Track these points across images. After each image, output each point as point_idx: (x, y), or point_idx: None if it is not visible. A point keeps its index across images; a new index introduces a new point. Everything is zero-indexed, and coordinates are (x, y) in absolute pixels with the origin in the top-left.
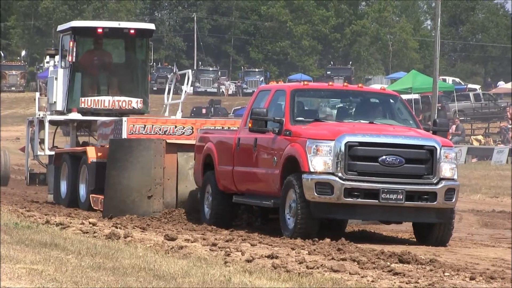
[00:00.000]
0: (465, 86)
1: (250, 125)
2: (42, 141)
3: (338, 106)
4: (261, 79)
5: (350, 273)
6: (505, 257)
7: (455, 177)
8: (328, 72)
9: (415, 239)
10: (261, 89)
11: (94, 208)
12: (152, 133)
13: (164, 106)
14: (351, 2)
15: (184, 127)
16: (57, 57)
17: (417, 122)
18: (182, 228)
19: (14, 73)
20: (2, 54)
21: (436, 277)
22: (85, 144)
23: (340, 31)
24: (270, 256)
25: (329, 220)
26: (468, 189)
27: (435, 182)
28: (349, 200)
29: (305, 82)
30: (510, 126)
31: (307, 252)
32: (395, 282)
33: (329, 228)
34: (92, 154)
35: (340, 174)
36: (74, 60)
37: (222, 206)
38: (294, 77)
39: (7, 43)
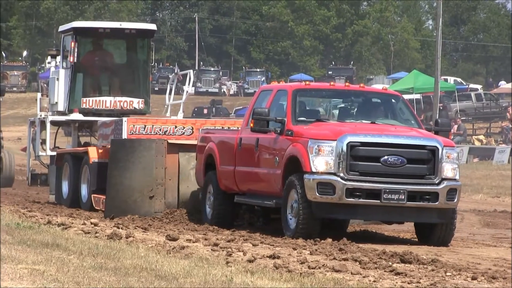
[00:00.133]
0: (467, 86)
1: (252, 125)
2: (43, 142)
3: (340, 106)
4: (262, 79)
5: (352, 273)
6: (506, 257)
7: (457, 177)
8: (329, 72)
9: (416, 239)
10: (263, 89)
11: (96, 208)
12: (152, 133)
13: (166, 106)
14: (353, 2)
15: (184, 127)
16: (58, 58)
17: (418, 122)
18: (184, 228)
19: (15, 73)
20: (4, 55)
21: (438, 277)
22: (87, 144)
23: (342, 31)
24: (272, 256)
25: (331, 220)
26: (469, 189)
27: (437, 182)
28: (351, 200)
29: (307, 82)
30: (511, 126)
31: (309, 252)
32: (397, 282)
33: (330, 228)
34: (93, 154)
35: (342, 174)
36: (75, 60)
37: (223, 206)
38: (295, 77)
39: (8, 44)
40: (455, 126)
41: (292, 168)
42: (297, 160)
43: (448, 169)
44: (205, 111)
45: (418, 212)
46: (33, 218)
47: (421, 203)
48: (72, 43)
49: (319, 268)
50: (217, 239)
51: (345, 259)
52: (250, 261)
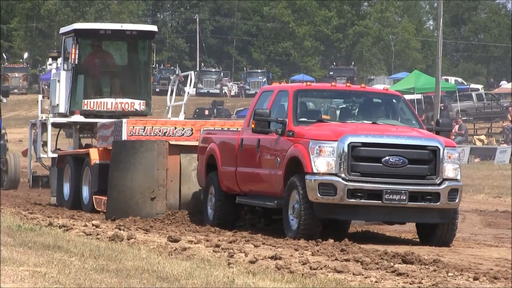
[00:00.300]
0: (468, 86)
1: (253, 126)
2: (45, 144)
3: (341, 106)
4: (263, 80)
5: (353, 274)
6: (508, 257)
7: (458, 177)
8: (330, 73)
9: (418, 240)
10: (264, 90)
11: (98, 209)
12: (152, 134)
13: (167, 107)
14: (353, 3)
15: (183, 128)
16: (59, 60)
17: (420, 122)
18: (185, 230)
19: (16, 75)
20: (5, 57)
21: (439, 277)
22: (88, 146)
23: (343, 32)
24: (274, 257)
25: (332, 221)
26: (471, 189)
27: (438, 182)
28: (352, 200)
29: (308, 83)
30: None
31: (311, 253)
32: (398, 283)
33: (332, 229)
34: (95, 156)
35: (343, 175)
36: (76, 62)
37: (225, 207)
38: (296, 77)
39: (9, 45)
40: (456, 126)
41: (293, 169)
42: (298, 160)
43: (449, 169)
44: (206, 112)
45: (419, 213)
46: (35, 220)
47: (423, 204)
48: (73, 45)
49: (321, 269)
50: (219, 240)
51: (346, 260)
52: (252, 262)
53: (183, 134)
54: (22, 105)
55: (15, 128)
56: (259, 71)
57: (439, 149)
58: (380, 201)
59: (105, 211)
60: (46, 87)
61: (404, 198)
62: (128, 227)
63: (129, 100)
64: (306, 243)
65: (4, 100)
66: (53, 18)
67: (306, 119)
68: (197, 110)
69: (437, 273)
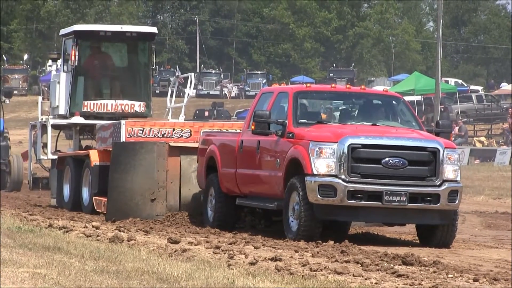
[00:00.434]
0: (468, 88)
1: (253, 127)
2: (45, 145)
3: (341, 108)
4: (263, 82)
5: (353, 275)
6: (508, 258)
7: (458, 178)
8: (330, 74)
9: (418, 241)
10: (264, 92)
11: (98, 210)
12: (151, 136)
13: (167, 109)
14: (353, 4)
15: (182, 130)
16: (59, 61)
17: (419, 123)
18: (186, 231)
19: (16, 76)
20: (5, 58)
21: (439, 278)
22: (88, 147)
23: (343, 33)
24: (274, 259)
25: (333, 222)
26: (471, 190)
27: (438, 184)
28: (352, 202)
29: (308, 84)
30: None
31: (311, 254)
32: (398, 284)
33: (332, 230)
34: (95, 157)
35: (343, 176)
36: (76, 64)
37: (225, 208)
38: (296, 79)
39: (9, 47)
40: (456, 128)
41: (293, 171)
42: (298, 162)
43: (449, 171)
44: (207, 113)
45: (419, 214)
46: (35, 222)
47: (423, 205)
48: (73, 47)
49: (321, 270)
50: (219, 241)
51: (347, 261)
52: (252, 263)
53: (182, 135)
54: (22, 107)
55: (15, 130)
56: (259, 72)
57: (439, 151)
58: (380, 203)
59: (105, 212)
60: (46, 88)
61: (404, 199)
62: (128, 229)
63: (129, 102)
64: (306, 245)
65: (7, 101)
66: (53, 20)
67: (306, 121)
68: (197, 112)
69: (437, 275)
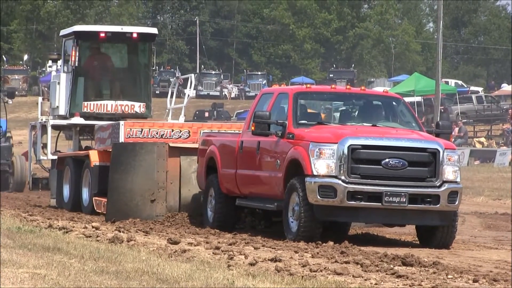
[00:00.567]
0: (468, 89)
1: (253, 128)
2: (44, 146)
3: (341, 109)
4: (263, 82)
5: (353, 276)
6: (508, 259)
7: (458, 179)
8: (330, 75)
9: (418, 242)
10: (264, 92)
11: (97, 211)
12: (149, 136)
13: (167, 110)
14: (353, 5)
15: (181, 131)
16: (59, 62)
17: (419, 124)
18: (185, 232)
19: (16, 77)
20: (5, 59)
21: (439, 279)
22: (88, 148)
23: (343, 34)
24: (274, 259)
25: (332, 223)
26: (471, 191)
27: (438, 184)
28: (352, 203)
29: (308, 85)
30: None
31: (311, 255)
32: (398, 285)
33: (332, 231)
34: (95, 157)
35: (343, 177)
36: (76, 64)
37: (225, 209)
38: (296, 80)
39: (9, 48)
40: (456, 129)
41: (293, 171)
42: (298, 163)
43: (449, 172)
44: (207, 114)
45: (419, 215)
46: (34, 222)
47: (423, 206)
48: (73, 47)
49: (321, 271)
50: (219, 242)
51: (346, 262)
52: (251, 264)
53: (180, 136)
54: (22, 107)
55: (14, 130)
56: (259, 73)
57: (439, 152)
58: (380, 203)
59: (105, 213)
60: (46, 89)
61: (404, 200)
62: (128, 229)
63: (129, 103)
64: (306, 245)
65: (10, 101)
66: (53, 20)
67: (306, 122)
68: (197, 112)
69: (437, 275)
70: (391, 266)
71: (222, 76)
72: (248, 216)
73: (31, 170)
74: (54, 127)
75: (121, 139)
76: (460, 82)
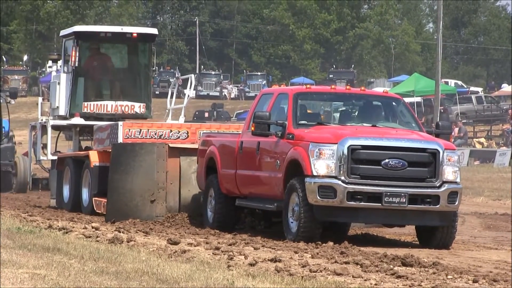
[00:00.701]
0: (467, 89)
1: (253, 128)
2: (44, 146)
3: (341, 109)
4: (263, 83)
5: (353, 276)
6: (508, 259)
7: (458, 180)
8: (330, 76)
9: (418, 242)
10: (264, 93)
11: (97, 211)
12: (148, 137)
13: (167, 110)
14: (353, 5)
15: (179, 131)
16: (59, 62)
17: (419, 125)
18: (185, 232)
19: (16, 77)
20: (4, 59)
21: (439, 280)
22: (88, 148)
23: (342, 35)
24: (273, 260)
25: (332, 223)
26: (470, 191)
27: (438, 185)
28: (352, 203)
29: (308, 86)
30: None
31: (310, 255)
32: (398, 285)
33: (332, 231)
34: (94, 158)
35: (343, 178)
36: (76, 65)
37: (225, 209)
38: (296, 80)
39: (9, 48)
40: (456, 129)
41: (293, 172)
42: (298, 163)
43: (449, 172)
44: (206, 114)
45: (419, 215)
46: (34, 223)
47: (422, 206)
48: (73, 48)
49: (321, 271)
50: (219, 242)
51: (346, 263)
52: (251, 264)
53: (179, 137)
54: (22, 108)
55: (15, 131)
56: (259, 73)
57: (439, 152)
58: (380, 204)
59: (105, 213)
60: (46, 89)
61: (404, 200)
62: (127, 230)
63: (129, 103)
64: (305, 246)
65: (12, 101)
66: (52, 21)
67: (306, 122)
68: (197, 113)
69: (437, 276)
70: (391, 266)
71: (222, 76)
72: (248, 217)
73: (31, 171)
74: (54, 127)
75: (120, 139)
76: (460, 82)
